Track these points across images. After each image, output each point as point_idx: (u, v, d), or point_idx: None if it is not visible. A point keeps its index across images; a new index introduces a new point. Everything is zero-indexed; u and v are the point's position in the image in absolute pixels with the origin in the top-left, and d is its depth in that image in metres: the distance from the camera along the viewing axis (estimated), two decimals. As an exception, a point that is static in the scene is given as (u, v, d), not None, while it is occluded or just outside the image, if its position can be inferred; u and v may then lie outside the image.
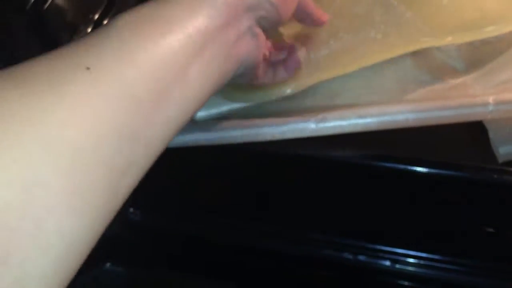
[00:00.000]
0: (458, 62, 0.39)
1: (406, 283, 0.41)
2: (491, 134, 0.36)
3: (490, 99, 0.35)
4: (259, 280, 0.41)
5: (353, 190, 0.39)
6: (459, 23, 0.37)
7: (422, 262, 0.40)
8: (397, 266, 0.41)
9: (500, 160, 0.35)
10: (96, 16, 0.44)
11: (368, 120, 0.35)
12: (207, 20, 0.26)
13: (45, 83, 0.21)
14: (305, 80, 0.37)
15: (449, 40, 0.37)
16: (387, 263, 0.41)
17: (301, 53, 0.37)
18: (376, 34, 0.37)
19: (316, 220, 0.42)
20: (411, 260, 0.40)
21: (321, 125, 0.35)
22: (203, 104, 0.27)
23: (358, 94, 0.38)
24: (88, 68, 0.21)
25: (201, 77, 0.26)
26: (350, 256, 0.41)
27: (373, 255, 0.41)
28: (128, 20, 0.24)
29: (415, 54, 0.39)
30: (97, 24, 0.44)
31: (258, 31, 0.30)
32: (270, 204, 0.42)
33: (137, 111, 0.22)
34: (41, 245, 0.19)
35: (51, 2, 0.39)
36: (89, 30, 0.43)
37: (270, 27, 0.32)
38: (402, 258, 0.41)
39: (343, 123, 0.35)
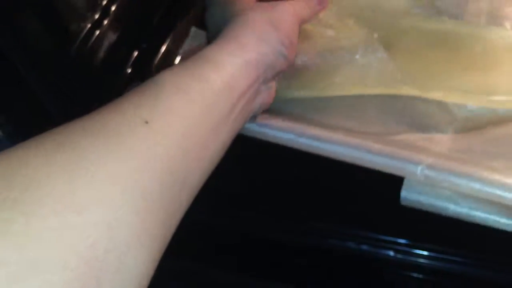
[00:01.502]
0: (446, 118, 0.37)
1: (409, 273, 0.40)
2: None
3: (426, 163, 0.33)
4: (262, 269, 0.43)
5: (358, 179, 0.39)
6: (453, 82, 0.37)
7: (425, 253, 0.39)
8: (400, 256, 0.40)
9: (402, 202, 0.34)
10: (104, 3, 0.46)
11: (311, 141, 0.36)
12: (236, 81, 0.30)
13: (113, 134, 0.23)
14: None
15: (437, 95, 0.37)
16: (391, 253, 0.40)
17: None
18: (355, 70, 0.37)
19: (319, 209, 0.42)
20: (414, 250, 0.40)
21: (262, 129, 0.37)
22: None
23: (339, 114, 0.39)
24: (146, 122, 0.24)
25: (229, 132, 0.30)
26: (354, 246, 0.41)
27: (376, 245, 0.41)
28: (172, 77, 0.28)
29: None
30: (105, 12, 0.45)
31: (272, 84, 0.35)
32: (274, 193, 0.43)
33: (186, 162, 0.26)
34: (124, 277, 0.21)
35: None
36: (96, 16, 0.45)
37: (284, 70, 0.36)
38: (406, 249, 0.40)
39: (279, 134, 0.37)
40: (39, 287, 0.18)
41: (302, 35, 0.38)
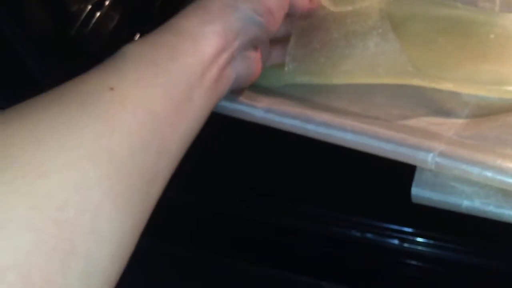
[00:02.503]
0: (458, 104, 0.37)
1: (414, 262, 0.40)
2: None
3: (437, 150, 0.32)
4: (263, 254, 0.42)
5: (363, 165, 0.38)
6: (464, 72, 0.37)
7: (431, 241, 0.39)
8: (405, 245, 0.40)
9: (413, 200, 0.33)
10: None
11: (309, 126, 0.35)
12: (205, 50, 0.30)
13: (78, 102, 0.24)
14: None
15: (449, 86, 0.36)
16: (395, 241, 0.40)
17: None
18: (365, 60, 0.37)
19: (323, 196, 0.41)
20: (419, 239, 0.39)
21: (268, 115, 0.36)
22: (205, 121, 0.31)
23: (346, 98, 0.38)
24: (111, 89, 0.25)
25: (202, 99, 0.30)
26: (358, 234, 0.40)
27: (381, 233, 0.40)
28: (140, 47, 0.29)
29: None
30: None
31: (249, 52, 0.35)
32: (277, 179, 0.42)
33: (158, 127, 0.26)
34: (99, 240, 0.21)
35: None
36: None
37: (264, 41, 0.36)
38: (411, 237, 0.39)
39: (286, 120, 0.36)
40: (4, 249, 0.18)
41: (316, 19, 0.37)
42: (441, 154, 0.32)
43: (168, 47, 0.29)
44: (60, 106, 0.24)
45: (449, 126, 0.35)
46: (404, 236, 0.40)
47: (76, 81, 0.26)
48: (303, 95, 0.39)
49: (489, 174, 0.30)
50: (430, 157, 0.32)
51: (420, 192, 0.33)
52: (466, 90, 0.36)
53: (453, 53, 0.38)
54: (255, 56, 0.35)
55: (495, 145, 0.32)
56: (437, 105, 0.37)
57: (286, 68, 0.38)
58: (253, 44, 0.35)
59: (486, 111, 0.36)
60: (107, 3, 0.47)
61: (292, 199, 0.42)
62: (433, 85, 0.36)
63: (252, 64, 0.35)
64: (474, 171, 0.31)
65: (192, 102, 0.29)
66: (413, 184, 0.33)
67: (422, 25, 0.40)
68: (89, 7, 0.45)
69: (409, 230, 0.40)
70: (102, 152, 0.23)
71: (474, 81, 0.36)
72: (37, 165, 0.21)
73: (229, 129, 0.40)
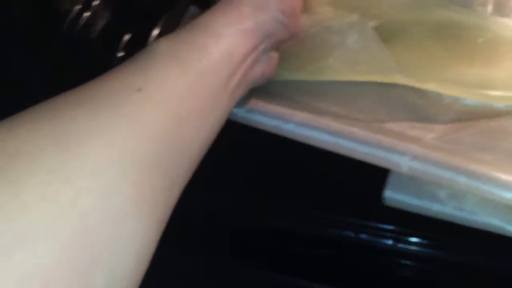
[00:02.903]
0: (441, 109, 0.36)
1: (408, 262, 0.40)
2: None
3: (412, 154, 0.32)
4: (256, 257, 0.42)
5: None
6: (449, 74, 0.36)
7: (425, 241, 0.39)
8: (400, 245, 0.39)
9: (387, 202, 0.33)
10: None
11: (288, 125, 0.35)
12: (233, 52, 0.30)
13: (107, 103, 0.24)
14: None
15: (432, 86, 0.36)
16: (389, 242, 0.39)
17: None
18: (346, 55, 0.36)
19: (317, 197, 0.41)
20: (413, 239, 0.39)
21: (250, 115, 0.36)
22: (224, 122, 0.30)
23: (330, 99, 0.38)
24: (139, 90, 0.24)
25: (226, 102, 0.30)
26: (352, 235, 0.40)
27: (375, 233, 0.40)
28: (168, 46, 0.28)
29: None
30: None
31: (273, 54, 0.35)
32: (270, 181, 0.42)
33: (182, 130, 0.26)
34: (122, 246, 0.21)
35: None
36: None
37: (286, 41, 0.35)
38: (405, 237, 0.39)
39: (265, 120, 0.36)
40: (27, 259, 0.18)
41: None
42: (415, 158, 0.31)
43: (197, 47, 0.29)
44: (89, 108, 0.23)
45: (430, 130, 0.35)
46: (399, 236, 0.39)
47: (104, 80, 0.25)
48: (288, 95, 0.39)
49: (462, 179, 0.30)
50: (403, 161, 0.32)
51: (392, 194, 0.33)
52: (450, 91, 0.36)
53: (441, 54, 0.38)
54: (276, 56, 0.35)
55: (472, 150, 0.32)
56: (421, 110, 0.37)
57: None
58: (276, 45, 0.35)
59: (469, 117, 0.35)
60: (96, 3, 0.46)
61: (284, 201, 0.42)
62: (416, 83, 0.36)
63: (273, 64, 0.35)
64: (447, 176, 0.30)
65: (216, 105, 0.29)
66: (387, 186, 0.33)
67: (413, 29, 0.40)
68: (79, 6, 0.45)
69: (403, 230, 0.39)
70: (128, 157, 0.22)
71: (459, 83, 0.36)
72: (63, 171, 0.20)
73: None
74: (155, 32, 0.52)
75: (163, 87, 0.26)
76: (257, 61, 0.32)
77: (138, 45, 0.50)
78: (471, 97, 0.36)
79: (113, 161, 0.22)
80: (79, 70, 0.46)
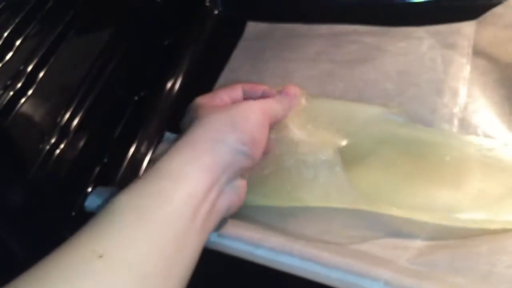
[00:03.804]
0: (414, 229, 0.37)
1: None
2: None
3: (384, 279, 0.31)
4: None
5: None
6: (417, 199, 0.37)
7: None
8: None
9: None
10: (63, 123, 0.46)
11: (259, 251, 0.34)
12: (194, 190, 0.30)
13: (65, 280, 0.24)
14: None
15: (400, 213, 0.36)
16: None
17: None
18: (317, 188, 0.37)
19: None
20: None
21: (220, 239, 0.35)
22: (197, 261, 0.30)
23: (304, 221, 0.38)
24: (100, 256, 0.25)
25: (195, 242, 0.30)
26: None
27: None
28: (127, 200, 0.28)
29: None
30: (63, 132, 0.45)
31: (238, 182, 0.35)
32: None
33: (150, 285, 0.26)
34: None
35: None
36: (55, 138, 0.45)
37: (249, 168, 0.35)
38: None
39: (233, 244, 0.35)
40: None
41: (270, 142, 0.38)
42: (388, 284, 0.30)
43: (157, 194, 0.29)
44: (52, 282, 0.24)
45: (404, 250, 0.34)
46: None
47: (63, 250, 0.26)
48: (261, 217, 0.39)
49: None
50: (376, 286, 0.31)
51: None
52: (419, 217, 0.36)
53: (410, 176, 0.38)
54: (242, 184, 0.35)
55: (446, 272, 0.31)
56: (394, 227, 0.36)
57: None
58: (239, 174, 0.35)
59: (443, 234, 0.35)
60: (64, 142, 0.46)
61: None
62: (384, 211, 0.36)
63: (240, 192, 0.35)
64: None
65: (185, 247, 0.29)
66: None
67: (383, 148, 0.40)
68: (47, 147, 0.45)
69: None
70: None
71: (428, 208, 0.36)
72: None
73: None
74: (126, 161, 0.52)
75: (126, 248, 0.26)
76: (221, 193, 0.33)
77: (109, 176, 0.50)
78: (440, 222, 0.35)
79: None
80: (49, 209, 0.45)
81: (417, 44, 0.51)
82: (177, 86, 0.59)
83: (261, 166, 0.38)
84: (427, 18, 0.54)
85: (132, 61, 0.57)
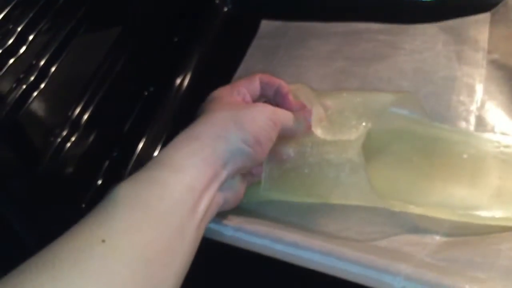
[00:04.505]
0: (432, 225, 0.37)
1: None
2: None
3: (404, 273, 0.31)
4: None
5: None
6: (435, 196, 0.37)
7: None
8: None
9: None
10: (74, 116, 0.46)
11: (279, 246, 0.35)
12: (195, 183, 0.30)
13: (71, 262, 0.25)
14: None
15: (418, 210, 0.36)
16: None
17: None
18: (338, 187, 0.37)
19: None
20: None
21: (237, 233, 0.36)
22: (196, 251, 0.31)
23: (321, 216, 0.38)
24: (103, 241, 0.26)
25: (194, 233, 0.30)
26: None
27: None
28: (129, 189, 0.29)
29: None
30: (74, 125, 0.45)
31: (237, 181, 0.35)
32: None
33: (151, 271, 0.26)
34: None
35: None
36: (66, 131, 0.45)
37: (251, 168, 0.36)
38: None
39: (254, 239, 0.35)
40: None
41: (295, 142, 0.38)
42: (408, 278, 0.31)
43: (159, 185, 0.29)
44: (53, 270, 0.24)
45: (423, 246, 0.34)
46: None
47: (67, 236, 0.27)
48: (279, 215, 0.39)
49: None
50: (397, 281, 0.31)
51: None
52: (437, 215, 0.36)
53: (427, 173, 0.38)
54: (241, 184, 0.36)
55: (466, 268, 0.31)
56: (412, 224, 0.36)
57: (262, 187, 0.38)
58: (240, 172, 0.35)
59: (461, 231, 0.35)
60: (75, 135, 0.46)
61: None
62: (403, 208, 0.36)
63: (239, 189, 0.36)
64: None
65: (184, 238, 0.29)
66: None
67: (400, 145, 0.40)
68: (58, 140, 0.45)
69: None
70: None
71: (445, 205, 0.36)
72: None
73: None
74: (135, 156, 0.52)
75: (127, 234, 0.27)
76: (221, 187, 0.33)
77: (118, 171, 0.50)
78: (459, 219, 0.35)
79: None
80: (59, 201, 0.45)
81: (432, 41, 0.51)
82: (186, 82, 0.59)
83: (282, 163, 0.38)
84: (439, 13, 0.54)
85: (142, 57, 0.57)
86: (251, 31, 0.61)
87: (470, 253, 0.33)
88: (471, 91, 0.45)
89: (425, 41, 0.52)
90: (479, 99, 0.45)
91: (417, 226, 0.36)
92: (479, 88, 0.46)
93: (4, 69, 0.40)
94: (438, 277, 0.30)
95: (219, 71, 0.58)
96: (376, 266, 0.32)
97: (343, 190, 0.37)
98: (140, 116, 0.55)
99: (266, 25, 0.61)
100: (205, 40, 0.63)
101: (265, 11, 0.63)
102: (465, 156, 0.39)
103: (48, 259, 0.25)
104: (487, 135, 0.40)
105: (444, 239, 0.35)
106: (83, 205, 0.47)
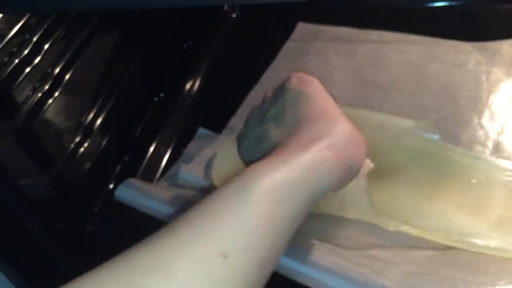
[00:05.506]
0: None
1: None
2: None
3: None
4: None
5: None
6: (432, 219, 0.36)
7: None
8: None
9: None
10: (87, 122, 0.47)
11: None
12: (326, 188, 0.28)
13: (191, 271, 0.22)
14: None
15: (413, 232, 0.36)
16: None
17: None
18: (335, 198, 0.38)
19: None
20: None
21: None
22: None
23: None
24: (225, 256, 0.22)
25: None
26: None
27: None
28: (265, 187, 0.25)
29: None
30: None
31: None
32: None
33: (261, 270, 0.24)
34: None
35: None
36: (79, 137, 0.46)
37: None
38: None
39: None
40: None
41: None
42: None
43: (295, 185, 0.27)
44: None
45: (412, 258, 0.34)
46: None
47: (188, 241, 0.23)
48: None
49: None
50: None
51: None
52: (431, 238, 0.36)
53: (430, 194, 0.37)
54: None
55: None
56: (404, 240, 0.36)
57: None
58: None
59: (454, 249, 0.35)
60: (88, 141, 0.48)
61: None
62: (398, 229, 0.36)
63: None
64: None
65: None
66: None
67: (410, 163, 0.39)
68: (72, 146, 0.47)
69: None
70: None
71: (443, 229, 0.35)
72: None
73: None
74: (146, 160, 0.54)
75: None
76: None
77: (129, 175, 0.52)
78: (453, 245, 0.35)
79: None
80: (72, 204, 0.47)
81: (463, 59, 0.51)
82: (195, 87, 0.60)
83: None
84: (475, 32, 0.53)
85: (152, 64, 0.59)
86: (259, 37, 0.62)
87: (457, 268, 0.33)
88: (493, 115, 0.45)
89: (456, 57, 0.51)
90: (501, 124, 0.44)
91: (409, 241, 0.36)
92: (503, 113, 0.45)
93: (20, 78, 0.42)
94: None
95: (229, 76, 0.59)
96: (357, 279, 0.33)
97: (341, 202, 0.37)
98: (151, 121, 0.56)
99: (301, 27, 0.61)
100: (214, 46, 0.64)
101: (274, 17, 0.64)
102: (473, 181, 0.38)
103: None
104: (500, 162, 0.39)
105: (432, 252, 0.35)
106: (96, 209, 0.48)
